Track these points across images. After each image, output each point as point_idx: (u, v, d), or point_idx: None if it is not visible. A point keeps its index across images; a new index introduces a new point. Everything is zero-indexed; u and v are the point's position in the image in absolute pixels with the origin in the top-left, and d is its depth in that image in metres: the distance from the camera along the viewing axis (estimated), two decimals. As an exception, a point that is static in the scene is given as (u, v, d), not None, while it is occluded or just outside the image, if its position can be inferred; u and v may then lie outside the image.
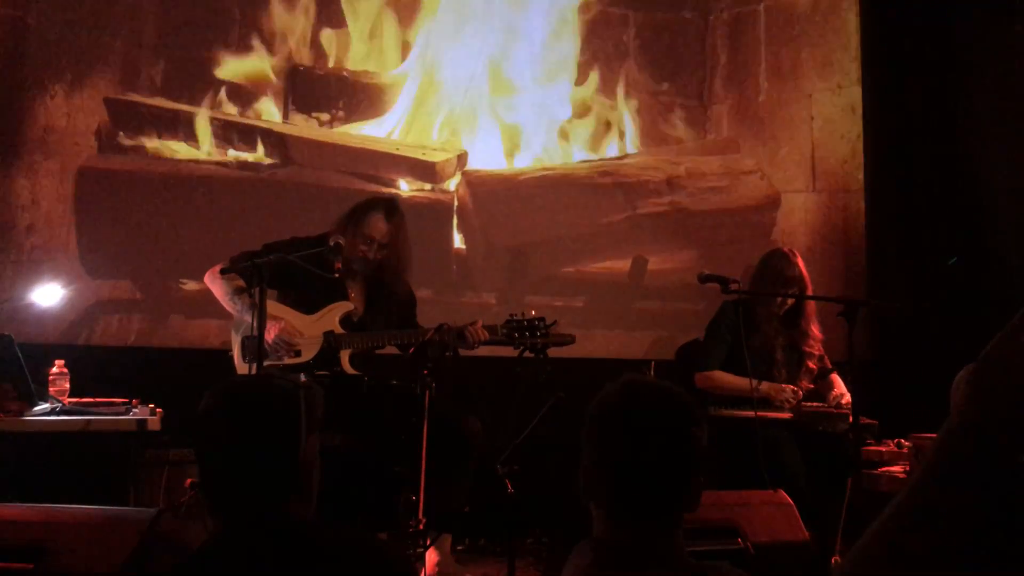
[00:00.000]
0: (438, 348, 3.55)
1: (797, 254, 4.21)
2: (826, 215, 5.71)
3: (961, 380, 0.79)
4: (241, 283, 3.80)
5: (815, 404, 4.08)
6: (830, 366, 4.27)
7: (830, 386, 4.22)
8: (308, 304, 3.92)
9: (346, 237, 3.82)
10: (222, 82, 5.11)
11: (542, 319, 3.83)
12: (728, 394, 4.04)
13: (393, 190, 5.24)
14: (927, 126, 5.66)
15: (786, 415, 4.01)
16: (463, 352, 3.76)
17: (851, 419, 3.79)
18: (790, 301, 4.12)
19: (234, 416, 1.63)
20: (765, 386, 3.98)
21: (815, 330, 4.20)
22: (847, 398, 4.05)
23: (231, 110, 5.13)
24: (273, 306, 3.69)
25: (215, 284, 3.91)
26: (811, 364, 4.20)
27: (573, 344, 3.92)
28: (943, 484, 0.77)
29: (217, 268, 3.84)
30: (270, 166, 5.16)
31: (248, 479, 1.60)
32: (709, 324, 4.25)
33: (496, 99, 5.52)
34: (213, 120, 5.08)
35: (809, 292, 4.14)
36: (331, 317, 3.92)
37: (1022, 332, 0.77)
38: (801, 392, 4.06)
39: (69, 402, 3.78)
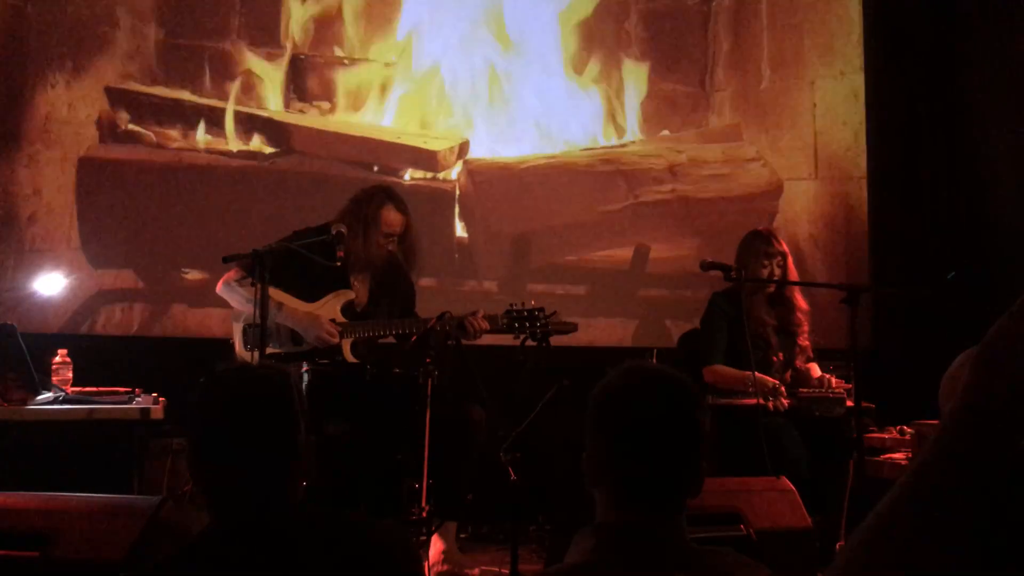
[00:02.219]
0: (440, 337, 3.55)
1: (773, 231, 4.32)
2: (828, 202, 5.70)
3: (959, 368, 0.79)
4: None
5: (810, 389, 4.06)
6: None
7: (808, 372, 4.20)
8: (311, 294, 3.91)
9: (361, 234, 3.82)
10: (223, 71, 5.11)
11: (541, 309, 3.83)
12: (731, 387, 4.04)
13: (394, 179, 5.24)
14: (930, 113, 5.64)
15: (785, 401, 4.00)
16: (465, 341, 3.76)
17: (849, 403, 3.79)
18: (776, 277, 4.15)
19: (225, 407, 1.63)
20: (757, 378, 3.95)
21: (801, 301, 4.23)
22: (831, 378, 4.05)
23: (233, 99, 5.12)
24: (276, 293, 3.69)
25: (231, 296, 3.87)
26: (802, 341, 4.20)
27: (575, 332, 3.92)
28: (943, 471, 0.77)
29: (231, 276, 3.81)
30: (271, 155, 5.15)
31: (241, 468, 1.59)
32: (703, 319, 4.26)
33: (497, 87, 5.51)
34: (214, 109, 5.07)
35: (791, 265, 4.20)
36: (332, 305, 3.90)
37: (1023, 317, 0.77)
38: (784, 388, 3.98)
39: (72, 391, 3.79)
